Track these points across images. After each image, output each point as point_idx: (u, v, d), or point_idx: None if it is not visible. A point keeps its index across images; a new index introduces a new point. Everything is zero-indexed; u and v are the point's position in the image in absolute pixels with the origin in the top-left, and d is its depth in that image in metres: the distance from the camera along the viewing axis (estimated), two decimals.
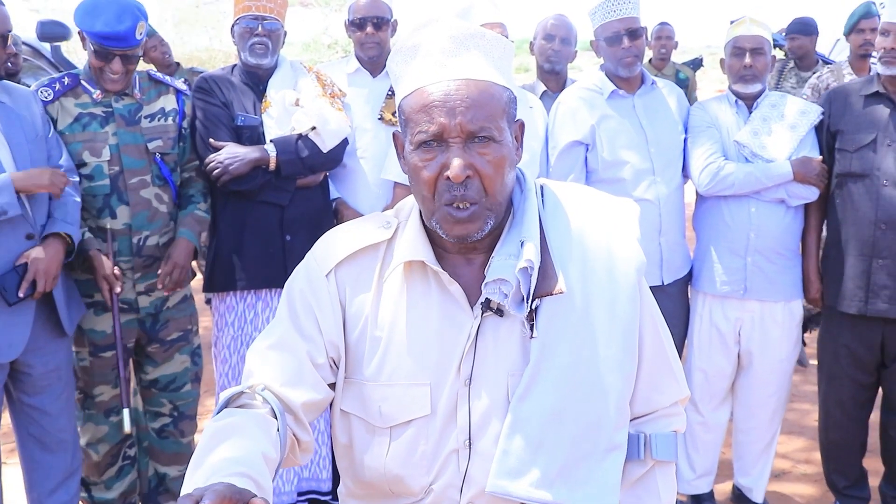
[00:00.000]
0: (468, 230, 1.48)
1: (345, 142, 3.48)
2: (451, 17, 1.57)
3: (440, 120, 1.44)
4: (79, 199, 3.03)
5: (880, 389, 3.48)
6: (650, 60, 7.10)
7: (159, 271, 3.23)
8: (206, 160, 3.31)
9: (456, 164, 1.43)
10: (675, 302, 3.54)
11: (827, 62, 6.17)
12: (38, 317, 2.94)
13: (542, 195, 1.63)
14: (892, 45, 3.19)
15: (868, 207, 3.23)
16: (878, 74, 3.32)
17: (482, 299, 1.52)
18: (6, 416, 3.24)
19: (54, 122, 3.10)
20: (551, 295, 1.50)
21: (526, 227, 1.53)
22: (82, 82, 3.17)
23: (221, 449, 1.34)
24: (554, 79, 4.12)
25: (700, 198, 3.55)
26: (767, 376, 3.51)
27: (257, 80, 3.46)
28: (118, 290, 3.11)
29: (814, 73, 6.01)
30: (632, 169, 3.37)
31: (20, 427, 3.11)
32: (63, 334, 3.04)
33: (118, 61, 3.07)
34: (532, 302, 1.50)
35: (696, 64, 7.57)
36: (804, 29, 5.88)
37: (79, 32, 3.14)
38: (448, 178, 1.44)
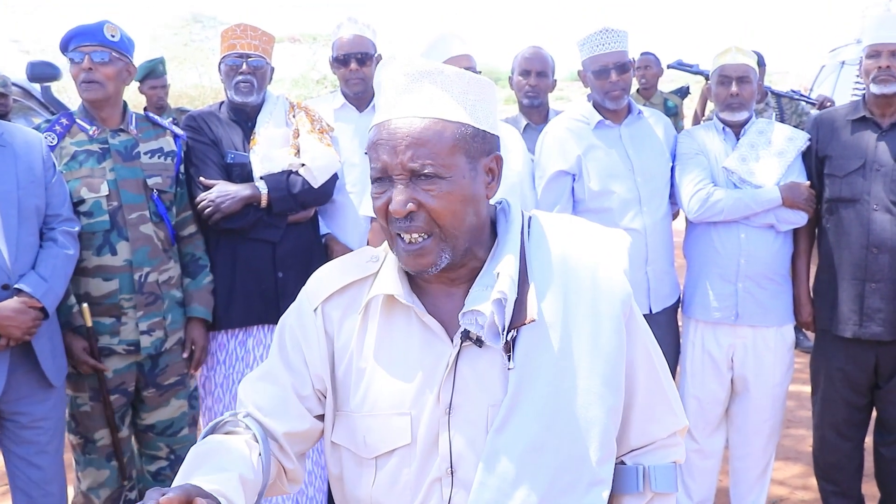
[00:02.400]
0: (421, 264, 1.51)
1: (335, 177, 3.49)
2: (411, 53, 1.60)
3: (383, 158, 1.48)
4: (72, 252, 2.97)
5: (874, 411, 3.48)
6: (637, 90, 7.14)
7: (184, 354, 3.30)
8: (197, 199, 3.31)
9: (396, 199, 1.47)
10: (665, 330, 3.54)
11: (775, 94, 6.22)
12: (19, 367, 2.89)
13: (530, 226, 1.63)
14: (886, 64, 3.22)
15: (859, 232, 3.25)
16: (864, 100, 3.36)
17: (461, 330, 1.53)
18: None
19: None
20: (524, 325, 1.50)
21: (504, 258, 1.54)
22: (78, 121, 3.17)
23: (200, 470, 1.42)
24: (536, 112, 4.11)
25: (690, 225, 3.57)
26: (761, 401, 3.51)
27: (245, 117, 3.47)
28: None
29: (766, 104, 6.07)
30: (618, 199, 3.39)
31: (9, 475, 3.06)
32: (49, 386, 2.97)
33: (88, 59, 3.07)
34: (508, 333, 1.50)
35: (683, 92, 7.61)
36: None
37: (70, 66, 3.16)
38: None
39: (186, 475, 1.41)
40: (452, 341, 1.54)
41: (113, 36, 3.12)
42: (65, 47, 3.13)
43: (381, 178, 1.50)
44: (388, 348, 1.58)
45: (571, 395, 1.52)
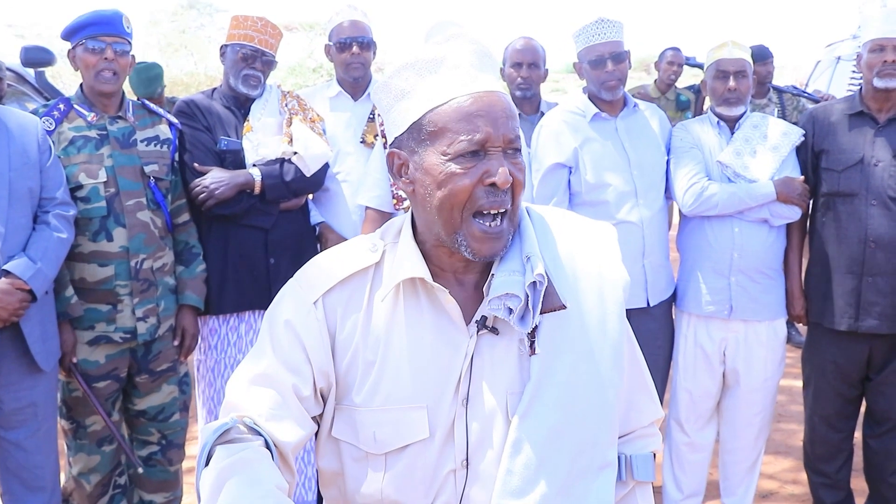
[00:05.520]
0: (496, 248, 1.48)
1: (326, 165, 3.51)
2: (470, 32, 1.56)
3: (486, 129, 1.43)
4: (65, 236, 2.95)
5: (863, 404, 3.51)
6: (655, 81, 7.16)
7: (175, 342, 3.30)
8: (192, 185, 3.31)
9: (501, 170, 1.43)
10: (660, 323, 3.55)
11: (777, 89, 6.23)
12: (8, 351, 2.88)
13: (530, 216, 1.63)
14: (892, 59, 3.21)
15: (857, 226, 3.25)
16: (861, 95, 3.36)
17: (478, 317, 1.52)
18: None
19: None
20: (554, 310, 1.49)
21: (528, 244, 1.53)
22: (75, 106, 3.16)
23: (242, 491, 1.33)
24: (528, 103, 4.05)
25: (684, 218, 3.57)
26: (752, 395, 3.52)
27: (238, 105, 3.47)
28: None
29: (768, 99, 6.06)
30: (615, 191, 3.38)
31: (0, 459, 3.07)
32: (39, 370, 2.95)
33: (111, 50, 3.07)
34: (536, 318, 1.49)
35: (696, 90, 7.66)
36: (757, 55, 5.92)
37: (68, 52, 3.14)
38: (490, 184, 1.44)
39: (226, 493, 1.32)
40: (468, 329, 1.53)
41: (128, 27, 3.14)
42: (74, 33, 3.10)
43: (473, 152, 1.44)
44: (398, 339, 1.53)
45: (585, 380, 1.53)
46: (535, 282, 1.48)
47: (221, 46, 3.51)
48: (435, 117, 1.46)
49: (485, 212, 1.46)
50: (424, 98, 1.48)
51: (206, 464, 1.42)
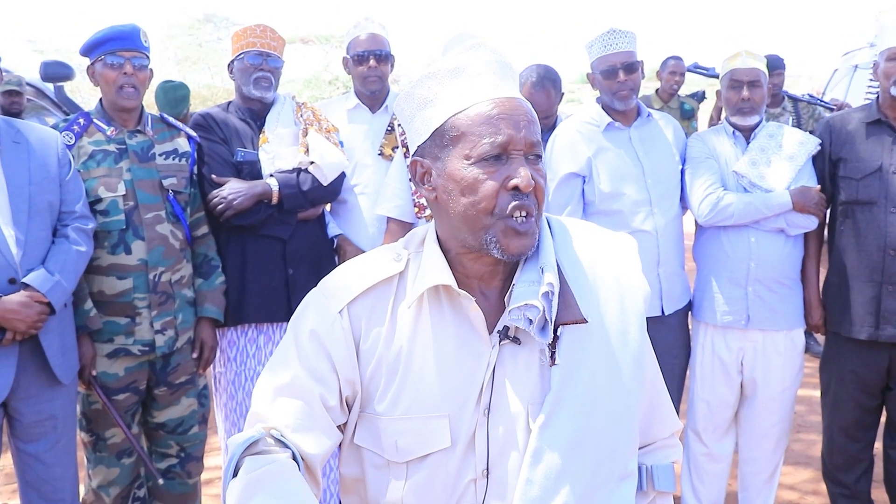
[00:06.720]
0: (525, 245, 1.48)
1: (343, 174, 3.52)
2: (489, 42, 1.58)
3: (508, 132, 1.45)
4: (84, 249, 2.96)
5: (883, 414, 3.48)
6: (657, 91, 7.16)
7: (194, 354, 3.31)
8: (209, 196, 3.33)
9: (524, 173, 1.44)
10: (676, 333, 3.54)
11: (792, 98, 6.20)
12: (28, 364, 2.89)
13: (551, 227, 1.64)
14: None
15: (876, 234, 3.24)
16: (878, 103, 3.35)
17: (500, 327, 1.52)
18: (9, 457, 3.20)
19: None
20: (576, 323, 1.50)
21: (544, 254, 1.54)
22: (95, 121, 3.19)
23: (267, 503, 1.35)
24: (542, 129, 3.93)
25: (700, 228, 3.57)
26: (770, 405, 3.50)
27: (254, 116, 3.50)
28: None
29: (783, 108, 6.03)
30: (629, 200, 3.38)
31: (18, 472, 3.07)
32: (59, 383, 2.97)
33: (130, 65, 3.10)
34: (556, 328, 1.49)
35: (700, 97, 7.64)
36: (770, 65, 5.90)
37: (87, 68, 3.17)
38: (514, 188, 1.45)
39: (245, 500, 1.36)
40: (490, 339, 1.53)
41: (146, 42, 3.17)
42: (93, 49, 3.13)
43: (496, 156, 1.46)
44: (421, 348, 1.54)
45: (606, 391, 1.53)
46: (547, 292, 1.48)
47: (229, 64, 3.56)
48: (457, 122, 1.48)
49: (512, 216, 1.47)
50: (446, 104, 1.50)
51: (234, 475, 1.44)
